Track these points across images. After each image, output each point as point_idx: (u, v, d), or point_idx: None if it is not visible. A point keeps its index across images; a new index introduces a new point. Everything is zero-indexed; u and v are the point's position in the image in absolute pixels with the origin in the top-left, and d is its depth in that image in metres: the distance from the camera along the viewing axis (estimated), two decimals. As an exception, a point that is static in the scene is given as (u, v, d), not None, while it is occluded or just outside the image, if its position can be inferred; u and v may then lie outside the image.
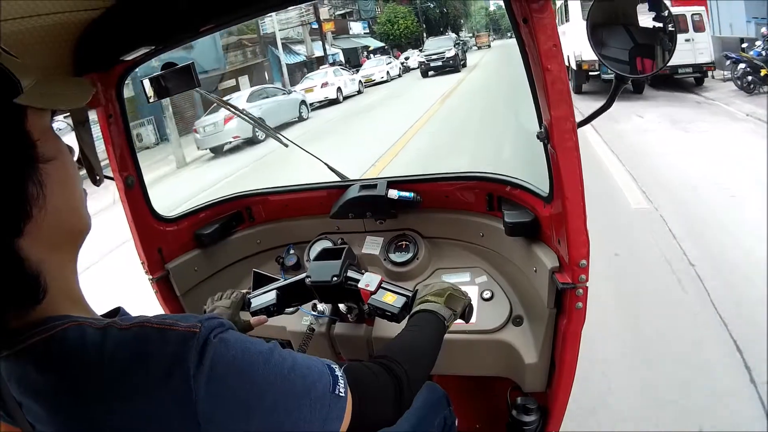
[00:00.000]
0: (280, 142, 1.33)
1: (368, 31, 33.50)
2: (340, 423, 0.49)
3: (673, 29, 0.68)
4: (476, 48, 39.81)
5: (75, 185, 0.47)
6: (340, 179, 1.33)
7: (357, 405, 0.52)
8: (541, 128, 0.80)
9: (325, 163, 1.33)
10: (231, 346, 0.43)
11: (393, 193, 1.15)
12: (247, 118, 1.32)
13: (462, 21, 49.90)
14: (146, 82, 0.99)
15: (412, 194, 1.15)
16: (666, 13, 0.68)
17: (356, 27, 32.28)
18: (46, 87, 0.45)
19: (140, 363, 0.40)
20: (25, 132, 0.42)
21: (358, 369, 0.59)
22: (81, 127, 0.86)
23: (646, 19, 0.69)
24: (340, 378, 0.51)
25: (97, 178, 0.88)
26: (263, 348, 0.46)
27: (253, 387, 0.43)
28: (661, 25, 0.68)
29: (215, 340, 0.42)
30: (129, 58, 0.89)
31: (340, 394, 0.50)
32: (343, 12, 30.45)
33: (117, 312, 0.49)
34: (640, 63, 0.69)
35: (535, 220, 0.95)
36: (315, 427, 0.47)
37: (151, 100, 0.99)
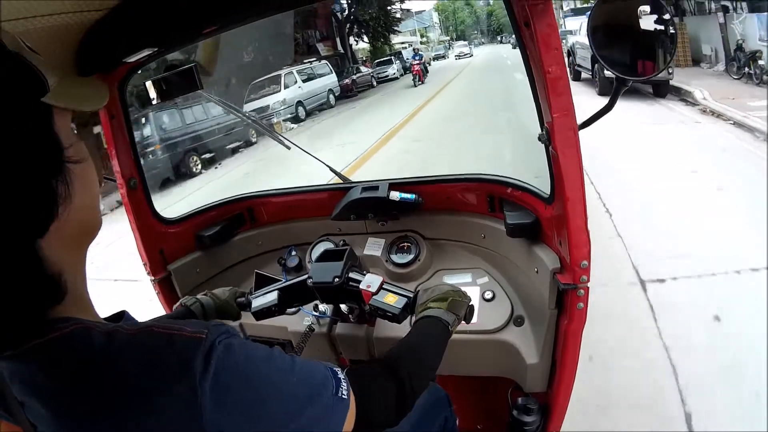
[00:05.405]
0: (282, 144, 1.33)
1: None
2: (343, 425, 0.50)
3: (674, 32, 0.68)
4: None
5: (96, 184, 0.47)
6: (342, 181, 1.33)
7: (360, 407, 0.52)
8: (542, 130, 0.80)
9: (327, 165, 1.33)
10: (235, 352, 0.43)
11: (395, 195, 1.16)
12: (247, 119, 1.32)
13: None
14: (149, 84, 0.99)
15: (413, 196, 1.16)
16: (667, 15, 0.68)
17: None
18: (68, 87, 0.44)
19: (147, 368, 0.40)
20: (53, 131, 0.42)
21: (361, 372, 0.60)
22: (84, 128, 0.86)
23: (647, 21, 0.69)
24: (342, 381, 0.52)
25: None
26: (266, 353, 0.47)
27: (256, 392, 0.43)
28: (662, 27, 0.68)
29: (220, 346, 0.42)
30: (132, 59, 0.90)
31: (343, 396, 0.50)
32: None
33: (121, 316, 0.49)
34: (641, 65, 0.70)
35: (537, 221, 0.95)
36: (318, 429, 0.47)
37: (154, 102, 0.99)
